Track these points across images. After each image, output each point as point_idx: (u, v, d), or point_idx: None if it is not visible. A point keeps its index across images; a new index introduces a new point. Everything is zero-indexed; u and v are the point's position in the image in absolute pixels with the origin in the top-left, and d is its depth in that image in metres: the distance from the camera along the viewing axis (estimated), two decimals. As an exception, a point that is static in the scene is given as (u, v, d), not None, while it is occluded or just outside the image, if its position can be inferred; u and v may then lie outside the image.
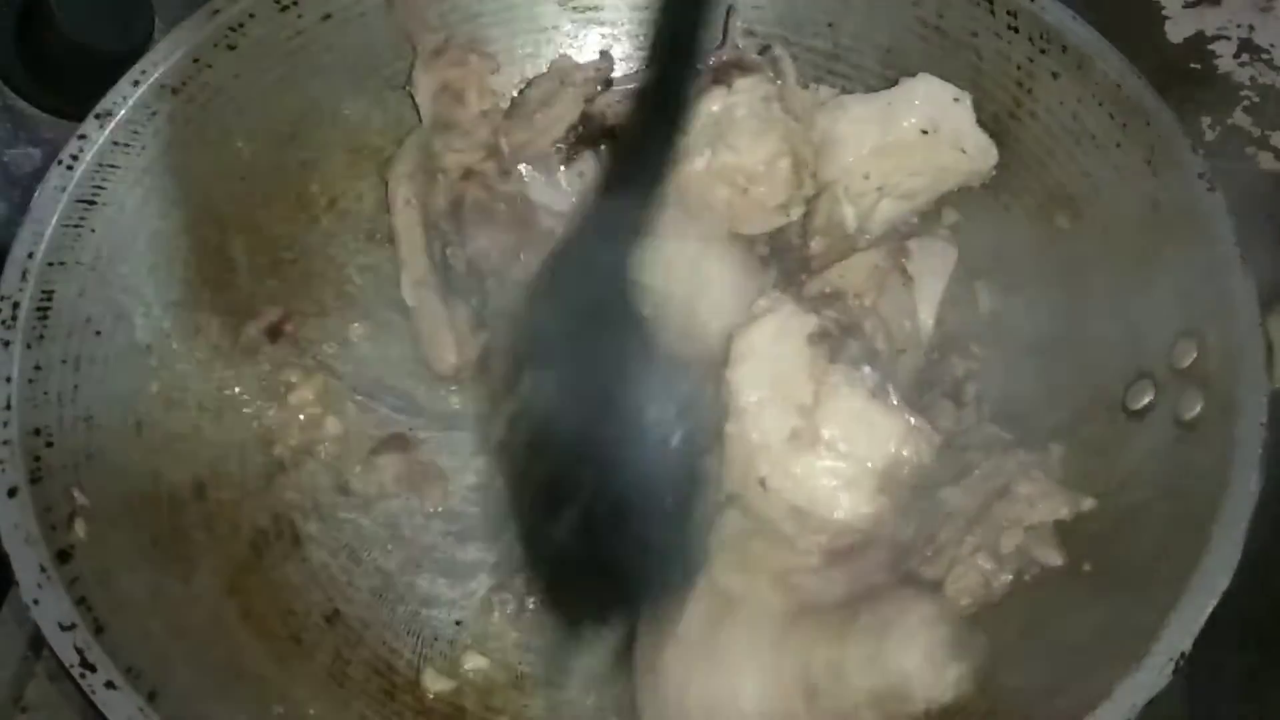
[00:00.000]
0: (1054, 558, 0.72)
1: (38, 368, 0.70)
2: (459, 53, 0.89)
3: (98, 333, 0.75)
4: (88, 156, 0.75)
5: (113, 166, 0.76)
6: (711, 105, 0.82)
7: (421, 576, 0.83)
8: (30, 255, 0.72)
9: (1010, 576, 0.73)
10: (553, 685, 0.77)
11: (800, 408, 0.73)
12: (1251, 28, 0.98)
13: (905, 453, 0.73)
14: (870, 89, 0.87)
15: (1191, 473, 0.68)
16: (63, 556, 0.65)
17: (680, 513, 0.68)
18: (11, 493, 0.65)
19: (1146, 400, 0.74)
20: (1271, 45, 0.98)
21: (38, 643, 0.82)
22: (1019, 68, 0.82)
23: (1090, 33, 0.79)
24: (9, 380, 0.69)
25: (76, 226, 0.74)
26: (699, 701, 0.69)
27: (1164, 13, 0.98)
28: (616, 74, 0.92)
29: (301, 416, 0.86)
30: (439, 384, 0.89)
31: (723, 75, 0.83)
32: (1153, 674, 0.61)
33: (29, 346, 0.70)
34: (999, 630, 0.73)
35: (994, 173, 0.84)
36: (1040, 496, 0.73)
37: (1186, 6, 0.97)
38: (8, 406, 0.68)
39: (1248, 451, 0.65)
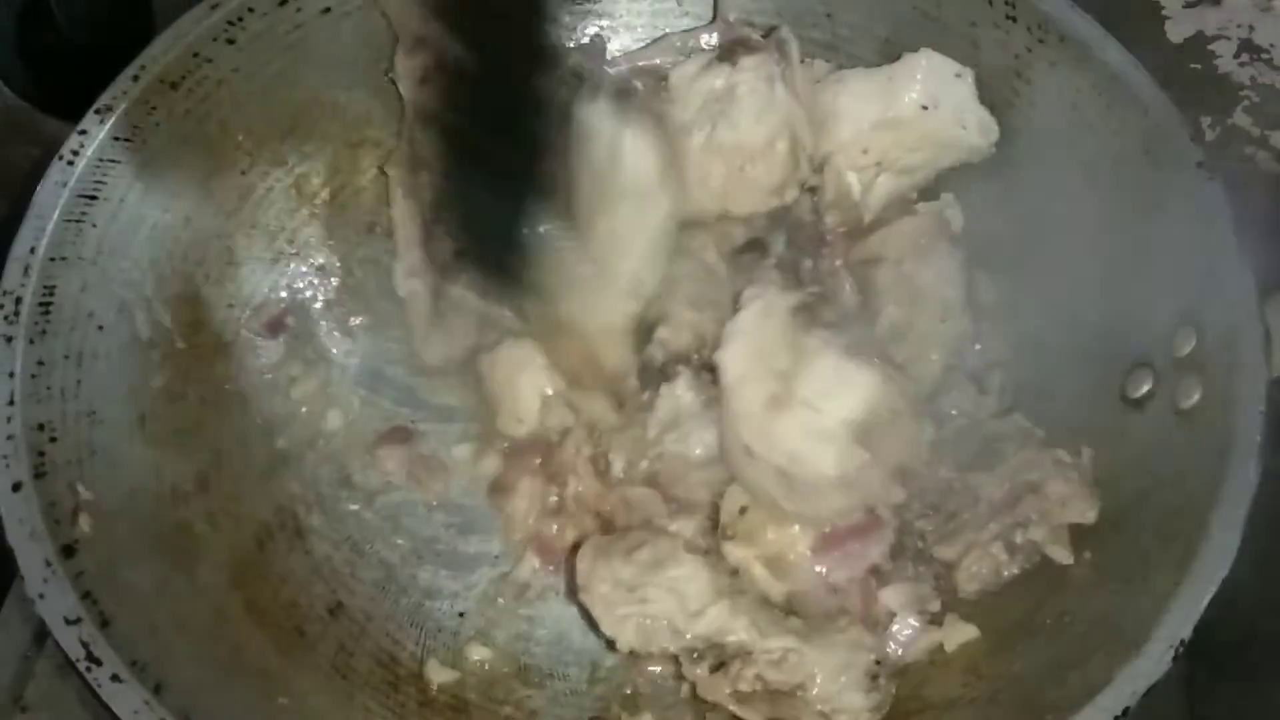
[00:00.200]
0: (1065, 556, 0.73)
1: (40, 363, 0.70)
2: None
3: (100, 327, 0.75)
4: (88, 151, 0.75)
5: (113, 161, 0.76)
6: (714, 81, 0.82)
7: (424, 568, 0.84)
8: (32, 250, 0.72)
9: (1018, 570, 0.74)
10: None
11: (779, 375, 0.74)
12: (1251, 28, 0.97)
13: (879, 403, 0.73)
14: (868, 79, 0.87)
15: (1191, 461, 0.68)
16: (67, 551, 0.65)
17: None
18: (15, 488, 0.66)
19: (1145, 389, 0.74)
20: (1271, 45, 0.97)
21: (40, 638, 0.82)
22: (1017, 57, 0.82)
23: (1088, 22, 0.79)
24: (12, 375, 0.69)
25: (78, 221, 0.74)
26: None
27: (1164, 13, 0.98)
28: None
29: (303, 410, 0.86)
30: (436, 376, 0.89)
31: (728, 53, 0.82)
32: (1153, 661, 0.61)
33: (31, 342, 0.70)
34: (1000, 617, 0.74)
35: (994, 150, 0.84)
36: (1073, 497, 0.74)
37: (1186, 6, 0.96)
38: (11, 402, 0.68)
39: (1247, 439, 0.65)
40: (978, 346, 0.85)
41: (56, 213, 0.73)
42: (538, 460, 0.84)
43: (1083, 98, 0.79)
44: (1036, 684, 0.68)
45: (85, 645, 0.62)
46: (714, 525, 0.78)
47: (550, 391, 0.83)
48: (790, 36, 0.85)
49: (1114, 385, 0.76)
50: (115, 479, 0.72)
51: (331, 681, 0.76)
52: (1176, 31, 0.98)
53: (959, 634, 0.75)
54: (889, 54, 0.84)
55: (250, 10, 0.81)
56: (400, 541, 0.84)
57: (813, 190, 0.86)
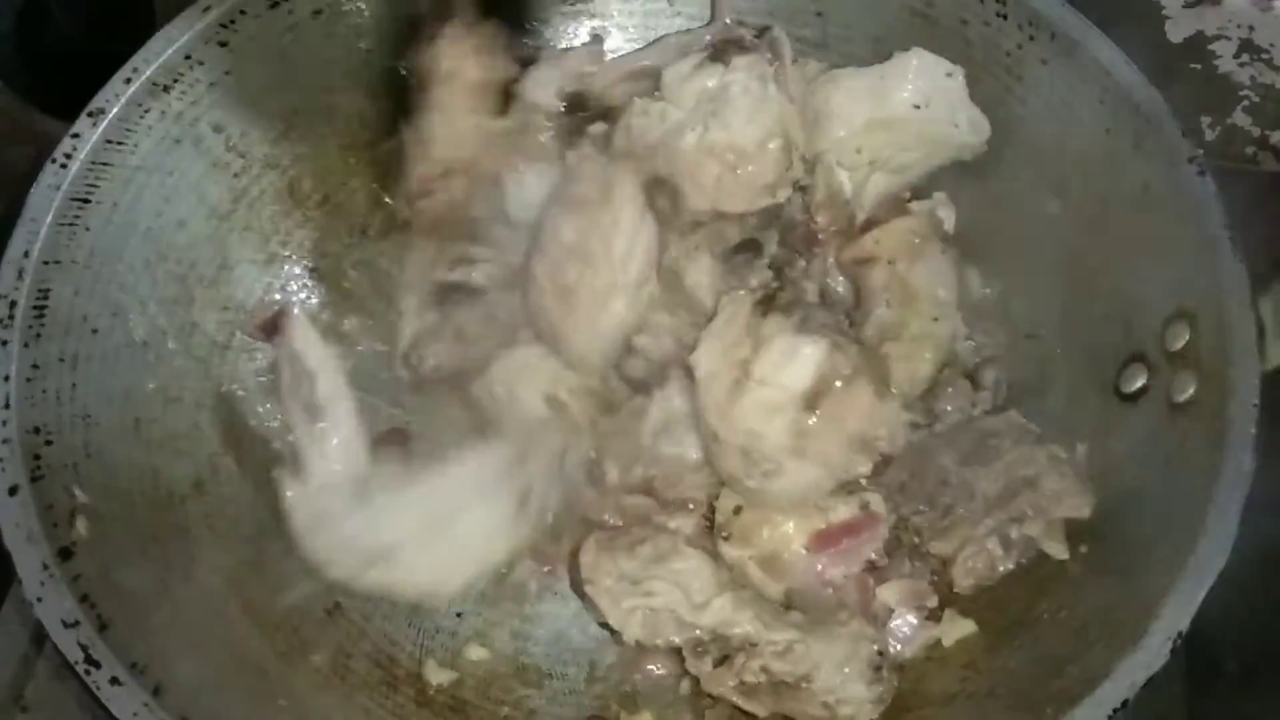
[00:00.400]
0: (1061, 551, 0.74)
1: (35, 366, 0.70)
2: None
3: (94, 330, 0.75)
4: (81, 154, 0.75)
5: (106, 164, 0.76)
6: (707, 81, 0.82)
7: (421, 570, 0.83)
8: (26, 254, 0.72)
9: (1014, 565, 0.74)
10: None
11: (740, 363, 0.74)
12: (1251, 28, 0.98)
13: (826, 369, 0.73)
14: (859, 76, 0.88)
15: (1185, 454, 0.68)
16: (64, 554, 0.65)
17: None
18: (12, 491, 0.66)
19: (1140, 383, 0.74)
20: (1271, 45, 0.98)
21: (39, 639, 0.82)
22: (1008, 54, 0.82)
23: (1078, 19, 0.79)
24: (7, 379, 0.69)
25: (71, 225, 0.74)
26: None
27: (1164, 13, 0.98)
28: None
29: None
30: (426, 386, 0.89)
31: (721, 53, 0.82)
32: (1151, 653, 0.61)
33: (26, 345, 0.70)
34: (997, 612, 0.74)
35: (986, 148, 0.84)
36: (1068, 493, 0.74)
37: (1186, 6, 0.97)
38: (6, 405, 0.68)
39: (1241, 432, 0.65)
40: (972, 343, 0.86)
41: (50, 216, 0.73)
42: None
43: (1074, 94, 0.79)
44: (1035, 678, 0.68)
45: (84, 648, 0.62)
46: (711, 525, 0.79)
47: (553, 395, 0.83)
48: (783, 36, 0.85)
49: (1108, 380, 0.76)
50: (112, 482, 0.72)
51: (330, 683, 0.76)
52: (1176, 31, 0.99)
53: (957, 629, 0.75)
54: (881, 53, 0.85)
55: (242, 13, 0.81)
56: (397, 543, 0.84)
57: (805, 189, 0.86)
